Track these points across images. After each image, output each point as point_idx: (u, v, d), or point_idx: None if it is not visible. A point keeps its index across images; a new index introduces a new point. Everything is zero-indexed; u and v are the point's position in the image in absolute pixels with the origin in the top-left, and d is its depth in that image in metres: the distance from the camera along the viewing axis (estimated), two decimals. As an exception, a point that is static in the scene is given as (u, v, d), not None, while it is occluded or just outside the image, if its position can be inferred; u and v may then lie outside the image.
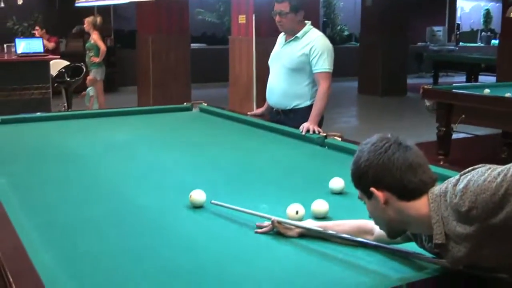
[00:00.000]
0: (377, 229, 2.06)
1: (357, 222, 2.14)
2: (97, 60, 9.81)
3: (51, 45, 10.68)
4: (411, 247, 2.02)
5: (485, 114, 6.29)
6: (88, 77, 9.85)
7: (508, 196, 1.62)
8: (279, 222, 2.30)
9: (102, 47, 9.88)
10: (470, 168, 1.78)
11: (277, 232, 2.31)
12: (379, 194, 1.83)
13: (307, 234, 2.27)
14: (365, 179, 1.86)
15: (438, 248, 1.81)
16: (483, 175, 1.69)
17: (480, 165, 1.78)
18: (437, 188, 1.81)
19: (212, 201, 2.62)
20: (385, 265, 2.01)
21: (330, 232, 2.19)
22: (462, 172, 1.78)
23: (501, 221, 1.63)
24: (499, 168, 1.69)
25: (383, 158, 1.82)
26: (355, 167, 1.90)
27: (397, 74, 14.56)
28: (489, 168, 1.71)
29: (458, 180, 1.75)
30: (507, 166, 1.68)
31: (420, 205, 1.81)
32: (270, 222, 2.32)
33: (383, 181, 1.82)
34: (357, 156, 1.90)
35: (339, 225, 2.23)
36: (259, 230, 2.35)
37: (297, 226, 2.28)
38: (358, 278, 1.93)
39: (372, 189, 1.84)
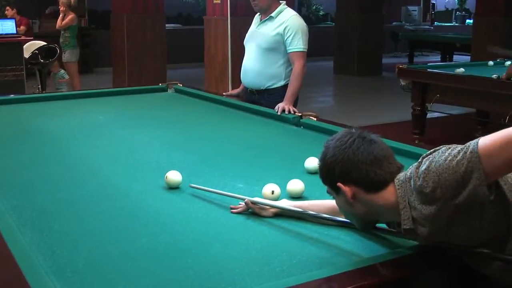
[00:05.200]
0: None
1: (332, 202, 2.16)
2: (64, 22, 9.79)
3: (21, 29, 10.54)
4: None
5: (460, 93, 6.35)
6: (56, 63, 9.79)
7: (469, 173, 1.64)
8: (253, 203, 2.32)
9: (61, 23, 9.85)
10: (431, 150, 1.80)
11: (253, 212, 2.32)
12: (346, 189, 1.85)
13: (283, 214, 2.28)
14: (331, 174, 1.88)
15: (407, 233, 1.84)
16: (444, 154, 1.71)
17: (441, 146, 1.80)
18: (402, 175, 1.83)
19: (190, 185, 2.62)
20: (359, 245, 2.03)
21: (305, 211, 2.21)
22: (424, 155, 1.80)
23: (465, 198, 1.65)
24: (459, 146, 1.71)
25: (348, 153, 1.83)
26: (322, 164, 1.92)
27: (372, 53, 14.60)
28: (449, 148, 1.73)
29: (419, 162, 1.77)
30: (467, 144, 1.69)
31: (388, 194, 1.83)
32: (243, 203, 2.34)
33: (349, 176, 1.84)
34: (323, 152, 1.91)
35: (315, 205, 2.25)
36: (234, 211, 2.36)
37: (271, 206, 2.29)
38: (334, 257, 1.95)
39: (339, 184, 1.86)
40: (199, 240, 2.13)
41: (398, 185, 1.81)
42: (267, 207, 2.30)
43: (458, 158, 1.66)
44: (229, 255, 2.00)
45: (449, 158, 1.68)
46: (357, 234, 2.09)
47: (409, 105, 7.01)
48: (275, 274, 1.83)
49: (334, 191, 1.92)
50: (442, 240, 1.78)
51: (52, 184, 2.83)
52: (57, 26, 10.04)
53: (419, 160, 1.79)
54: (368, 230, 2.06)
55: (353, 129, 1.91)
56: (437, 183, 1.68)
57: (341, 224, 2.15)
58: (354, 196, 1.86)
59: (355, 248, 2.00)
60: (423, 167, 1.73)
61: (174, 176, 2.66)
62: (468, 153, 1.65)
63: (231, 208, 2.38)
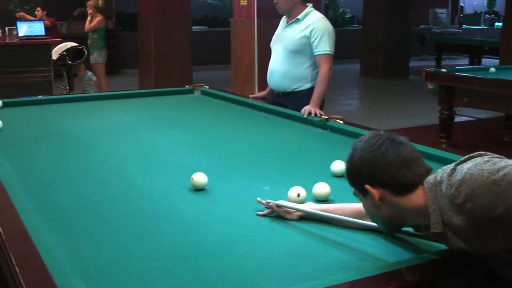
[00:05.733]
0: None
1: (358, 206, 2.15)
2: (92, 24, 9.86)
3: (46, 23, 10.62)
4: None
5: (488, 97, 6.28)
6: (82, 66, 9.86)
7: (505, 198, 1.60)
8: (278, 206, 2.31)
9: (90, 25, 9.92)
10: (465, 157, 1.77)
11: (278, 215, 2.31)
12: (373, 191, 1.84)
13: (308, 217, 2.27)
14: (359, 176, 1.87)
15: (436, 237, 1.81)
16: (481, 168, 1.67)
17: (476, 153, 1.77)
18: (432, 177, 1.80)
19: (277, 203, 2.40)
20: (384, 249, 2.01)
21: (330, 215, 2.19)
22: (458, 162, 1.77)
23: (497, 217, 1.61)
24: (499, 162, 1.67)
25: (376, 155, 1.82)
26: (349, 165, 1.90)
27: (399, 56, 14.51)
28: (488, 161, 1.69)
29: (453, 170, 1.74)
30: (509, 162, 1.66)
31: (417, 197, 1.81)
32: (272, 203, 2.32)
33: (377, 178, 1.82)
34: (350, 154, 1.90)
35: (340, 209, 2.23)
36: (260, 213, 2.35)
37: (297, 210, 2.28)
38: (359, 262, 1.93)
39: (367, 186, 1.84)
40: (223, 242, 2.13)
41: (427, 188, 1.78)
42: (292, 210, 2.29)
43: (497, 177, 1.62)
44: (253, 257, 1.99)
45: (486, 175, 1.64)
46: (382, 238, 2.07)
47: (436, 109, 6.95)
48: (300, 277, 1.82)
49: (361, 193, 1.90)
50: (472, 248, 1.76)
51: (77, 185, 2.84)
52: (85, 28, 10.13)
53: (452, 166, 1.76)
54: (394, 234, 2.04)
55: (381, 131, 1.90)
56: (469, 196, 1.65)
57: (366, 228, 2.13)
58: (381, 198, 1.84)
59: (380, 253, 1.99)
60: (457, 177, 1.69)
61: (200, 177, 2.66)
62: (509, 176, 1.61)
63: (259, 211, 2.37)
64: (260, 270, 1.89)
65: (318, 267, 1.89)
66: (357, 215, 2.16)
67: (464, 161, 1.75)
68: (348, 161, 1.91)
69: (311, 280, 1.77)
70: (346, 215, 2.18)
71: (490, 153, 1.72)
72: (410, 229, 2.03)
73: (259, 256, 2.00)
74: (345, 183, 1.96)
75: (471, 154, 1.76)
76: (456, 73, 6.93)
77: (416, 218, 1.88)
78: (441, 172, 1.78)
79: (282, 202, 2.32)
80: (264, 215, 2.34)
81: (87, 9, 10.25)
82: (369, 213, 1.97)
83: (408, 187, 1.81)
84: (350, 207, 2.22)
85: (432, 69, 7.17)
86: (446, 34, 18.07)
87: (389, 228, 1.99)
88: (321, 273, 1.84)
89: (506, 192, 1.60)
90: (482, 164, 1.69)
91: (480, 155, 1.75)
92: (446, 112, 6.73)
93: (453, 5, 21.52)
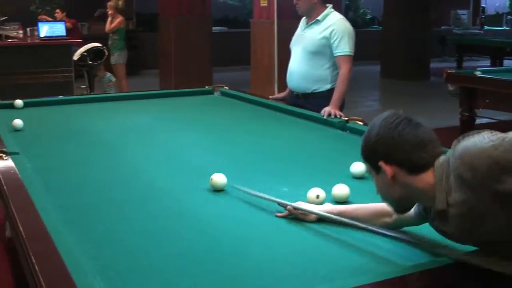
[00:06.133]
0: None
1: (377, 206, 2.14)
2: (112, 25, 9.92)
3: (67, 25, 10.69)
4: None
5: (509, 99, 6.21)
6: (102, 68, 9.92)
7: (507, 166, 1.59)
8: (295, 209, 2.30)
9: (111, 27, 9.99)
10: (474, 131, 1.75)
11: (296, 217, 2.31)
12: (387, 169, 1.83)
13: (326, 219, 2.26)
14: (374, 153, 1.87)
15: (440, 218, 1.81)
16: (484, 138, 1.67)
17: (483, 129, 1.76)
18: (443, 157, 1.80)
19: (235, 186, 2.62)
20: (401, 253, 2.00)
21: (346, 220, 2.18)
22: (466, 134, 1.76)
23: (504, 187, 1.60)
24: (501, 134, 1.68)
25: (394, 134, 1.82)
26: (366, 141, 1.90)
27: (420, 58, 14.42)
28: (491, 133, 1.70)
29: (460, 143, 1.74)
30: (510, 133, 1.66)
31: (428, 177, 1.80)
32: (291, 205, 2.32)
33: (392, 156, 1.82)
34: (368, 130, 1.91)
35: (358, 209, 2.23)
36: (279, 214, 2.35)
37: (313, 213, 2.27)
38: (375, 265, 1.93)
39: (381, 163, 1.84)
40: (241, 242, 2.14)
41: (436, 167, 1.79)
42: (311, 211, 2.29)
43: (495, 143, 1.63)
44: (271, 258, 1.99)
45: (488, 143, 1.64)
46: (399, 243, 2.06)
47: (457, 111, 6.90)
48: (317, 278, 1.82)
49: (375, 170, 1.90)
50: (475, 235, 1.74)
51: (97, 184, 2.86)
52: (106, 29, 10.18)
53: (460, 138, 1.76)
54: (403, 213, 2.02)
55: (400, 111, 1.89)
56: (470, 166, 1.65)
57: (382, 235, 2.11)
58: (394, 176, 1.84)
59: (396, 256, 1.97)
60: (460, 149, 1.70)
61: (219, 178, 2.66)
62: (506, 139, 1.62)
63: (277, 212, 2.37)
64: (278, 271, 1.89)
65: (335, 269, 1.89)
66: (375, 215, 2.16)
67: (471, 135, 1.74)
68: (365, 137, 1.91)
69: (328, 281, 1.77)
70: (364, 215, 2.18)
71: (497, 131, 1.71)
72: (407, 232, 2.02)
73: (277, 257, 2.01)
74: (364, 185, 1.96)
75: (480, 130, 1.75)
76: (477, 75, 6.87)
77: (425, 199, 1.87)
78: (451, 150, 1.77)
79: (299, 205, 2.31)
80: (282, 216, 2.34)
81: (107, 10, 10.30)
82: (380, 191, 1.96)
83: (422, 167, 1.81)
84: (368, 207, 2.21)
85: (453, 71, 7.11)
86: (467, 35, 17.93)
87: (399, 207, 1.97)
88: (338, 275, 1.84)
89: (507, 158, 1.60)
90: (485, 135, 1.69)
91: (487, 130, 1.74)
92: (467, 114, 6.67)
93: (475, 6, 21.34)
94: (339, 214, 2.23)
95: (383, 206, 2.12)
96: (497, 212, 1.66)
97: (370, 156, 1.90)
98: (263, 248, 2.08)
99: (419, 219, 2.03)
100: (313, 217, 2.28)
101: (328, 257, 1.99)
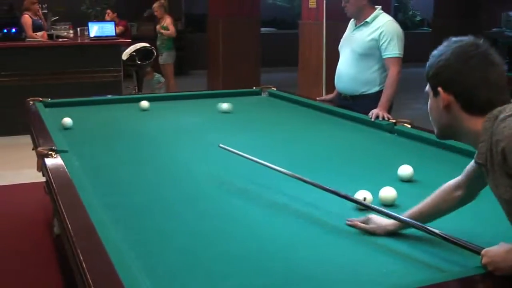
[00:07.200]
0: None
1: (441, 189, 2.06)
2: (167, 32, 9.99)
3: (118, 29, 10.81)
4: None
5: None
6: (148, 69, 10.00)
7: None
8: (365, 221, 2.20)
9: (173, 31, 10.04)
10: None
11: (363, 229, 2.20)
12: (444, 97, 1.80)
13: (394, 232, 2.15)
14: (437, 77, 1.83)
15: (478, 167, 1.79)
16: None
17: None
18: (497, 110, 1.73)
19: (220, 145, 2.57)
20: (449, 259, 1.96)
21: (421, 224, 2.03)
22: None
23: None
24: None
25: (463, 65, 1.77)
26: (433, 61, 1.86)
27: (470, 60, 14.20)
28: None
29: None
30: None
31: (477, 122, 1.76)
32: (363, 218, 2.23)
33: (453, 86, 1.78)
34: (440, 49, 1.86)
35: (430, 201, 2.10)
36: (349, 223, 2.25)
37: (392, 217, 2.12)
38: (421, 270, 1.91)
39: (440, 89, 1.81)
40: (288, 245, 2.13)
41: (487, 118, 1.73)
42: (382, 224, 2.16)
43: None
44: (317, 261, 1.99)
45: None
46: (445, 247, 2.00)
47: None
48: (362, 282, 1.81)
49: (432, 91, 1.86)
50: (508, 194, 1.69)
51: (145, 183, 2.89)
52: (166, 34, 10.14)
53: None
54: (443, 140, 1.99)
55: (481, 41, 1.82)
56: (504, 136, 1.62)
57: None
58: (448, 106, 1.80)
59: (443, 263, 1.94)
60: (504, 114, 1.66)
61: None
62: None
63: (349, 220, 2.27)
64: (324, 274, 1.88)
65: (381, 273, 1.88)
66: (446, 193, 2.07)
67: None
68: (434, 56, 1.86)
69: (374, 286, 1.77)
70: (439, 201, 2.08)
71: None
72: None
73: (323, 259, 2.00)
74: (412, 189, 1.93)
75: None
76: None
77: (467, 139, 1.84)
78: (508, 108, 1.72)
79: (371, 219, 2.20)
80: (353, 226, 2.24)
81: (154, 12, 10.39)
82: (431, 111, 1.92)
83: (477, 109, 1.76)
84: (436, 194, 2.10)
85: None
86: (519, 37, 17.60)
87: (441, 132, 1.93)
88: (384, 279, 1.82)
89: None
90: None
91: None
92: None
93: (527, 8, 20.94)
94: (420, 214, 2.10)
95: (446, 185, 2.06)
96: None
97: (433, 77, 1.85)
98: (309, 251, 2.08)
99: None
100: (382, 231, 2.16)
101: (375, 260, 1.97)
